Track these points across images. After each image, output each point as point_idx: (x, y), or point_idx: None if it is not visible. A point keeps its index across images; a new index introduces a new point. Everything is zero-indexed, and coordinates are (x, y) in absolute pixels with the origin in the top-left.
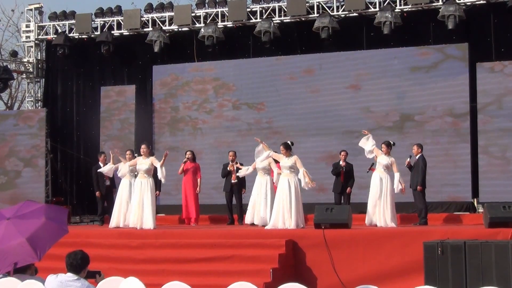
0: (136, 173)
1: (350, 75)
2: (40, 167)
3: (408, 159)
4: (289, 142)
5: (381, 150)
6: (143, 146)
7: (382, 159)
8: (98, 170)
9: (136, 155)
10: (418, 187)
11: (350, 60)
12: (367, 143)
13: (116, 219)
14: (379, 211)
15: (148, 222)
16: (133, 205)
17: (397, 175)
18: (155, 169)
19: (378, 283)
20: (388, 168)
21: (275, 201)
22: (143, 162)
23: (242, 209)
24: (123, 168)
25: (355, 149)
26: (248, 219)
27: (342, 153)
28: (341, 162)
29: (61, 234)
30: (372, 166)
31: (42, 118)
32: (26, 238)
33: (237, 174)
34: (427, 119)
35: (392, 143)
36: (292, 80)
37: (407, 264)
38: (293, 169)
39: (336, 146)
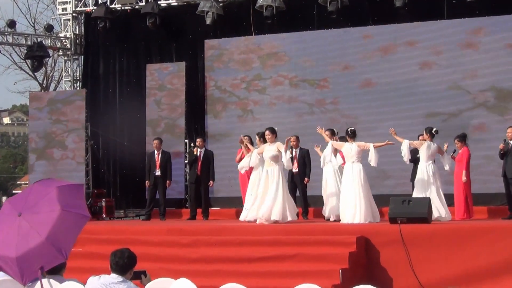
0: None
1: (428, 48)
2: (80, 155)
3: (502, 143)
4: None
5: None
6: (267, 132)
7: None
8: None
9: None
10: None
11: (430, 32)
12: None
13: (250, 212)
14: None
15: (285, 213)
16: (268, 196)
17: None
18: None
19: (463, 286)
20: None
21: (342, 193)
22: (269, 149)
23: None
24: (254, 156)
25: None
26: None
27: (421, 137)
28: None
29: (83, 223)
30: (454, 153)
31: (82, 100)
32: (46, 237)
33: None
34: None
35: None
36: (363, 55)
37: (496, 264)
38: (360, 156)
39: (416, 129)
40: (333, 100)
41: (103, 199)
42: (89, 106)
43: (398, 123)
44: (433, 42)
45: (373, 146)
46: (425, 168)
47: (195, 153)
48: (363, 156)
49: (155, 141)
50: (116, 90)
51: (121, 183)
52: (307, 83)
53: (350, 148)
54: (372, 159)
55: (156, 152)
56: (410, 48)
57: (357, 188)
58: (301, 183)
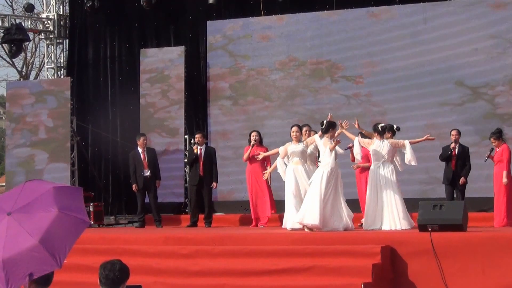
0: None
1: (465, 29)
2: (64, 154)
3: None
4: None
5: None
6: (294, 129)
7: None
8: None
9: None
10: None
11: (462, 13)
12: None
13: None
14: None
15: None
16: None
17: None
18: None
19: None
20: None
21: (368, 196)
22: (297, 146)
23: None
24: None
25: None
26: (291, 221)
27: (453, 132)
28: (452, 144)
29: (82, 229)
30: (491, 153)
31: (66, 90)
32: (39, 240)
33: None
34: None
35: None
36: (389, 39)
37: None
38: (391, 155)
39: (449, 122)
40: (361, 91)
41: (91, 204)
42: (75, 97)
43: (426, 111)
44: (472, 24)
45: (409, 142)
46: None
47: (195, 151)
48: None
49: (142, 138)
50: (107, 79)
51: (113, 185)
52: (325, 69)
53: (380, 146)
54: (411, 158)
55: (140, 150)
56: (440, 28)
57: (392, 192)
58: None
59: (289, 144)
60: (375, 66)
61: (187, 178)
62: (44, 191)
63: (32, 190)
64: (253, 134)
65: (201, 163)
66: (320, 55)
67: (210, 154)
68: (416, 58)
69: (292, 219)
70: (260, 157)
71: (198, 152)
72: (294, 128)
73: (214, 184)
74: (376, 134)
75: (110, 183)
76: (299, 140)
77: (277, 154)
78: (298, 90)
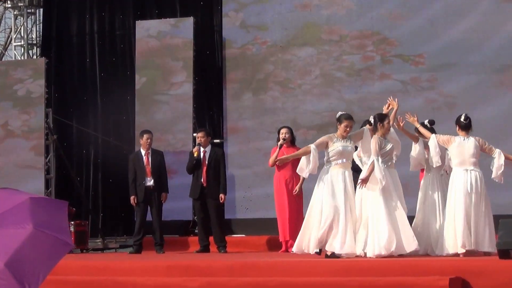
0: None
1: None
2: (37, 157)
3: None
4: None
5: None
6: (346, 123)
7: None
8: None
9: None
10: None
11: None
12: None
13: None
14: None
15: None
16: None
17: None
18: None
19: None
20: None
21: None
22: (345, 143)
23: None
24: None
25: None
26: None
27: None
28: None
29: (62, 252)
30: None
31: (40, 74)
32: (5, 263)
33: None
34: None
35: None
36: (462, 4)
37: None
38: (478, 158)
39: None
40: (422, 76)
41: (72, 222)
42: (52, 84)
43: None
44: None
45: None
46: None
47: (195, 155)
48: None
49: (145, 136)
50: (94, 61)
51: (102, 198)
52: (373, 45)
53: (465, 146)
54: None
55: (144, 152)
56: None
57: (480, 203)
58: None
59: (331, 138)
60: (441, 41)
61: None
62: (18, 202)
63: (3, 200)
64: (283, 131)
65: (204, 169)
66: (367, 26)
67: (217, 158)
68: (499, 33)
69: (334, 243)
70: (296, 190)
71: (201, 155)
72: (347, 122)
73: (221, 196)
74: (458, 129)
75: (99, 196)
76: (347, 136)
77: (308, 154)
78: (334, 73)
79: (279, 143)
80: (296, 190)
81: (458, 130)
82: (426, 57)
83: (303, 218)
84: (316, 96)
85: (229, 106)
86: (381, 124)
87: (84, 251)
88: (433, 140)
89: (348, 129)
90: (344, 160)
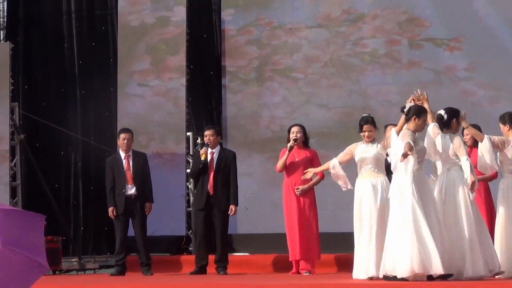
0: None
1: None
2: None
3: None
4: None
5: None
6: (367, 126)
7: None
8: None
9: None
10: None
11: None
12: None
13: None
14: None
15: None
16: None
17: None
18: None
19: None
20: None
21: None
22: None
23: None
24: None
25: None
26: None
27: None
28: None
29: (35, 276)
30: None
31: (4, 62)
32: None
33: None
34: None
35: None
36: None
37: None
38: None
39: None
40: (458, 64)
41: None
42: (20, 73)
43: None
44: None
45: None
46: None
47: (203, 157)
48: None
49: (122, 135)
50: (72, 46)
51: (83, 209)
52: (399, 27)
53: None
54: None
55: (123, 155)
56: None
57: None
58: None
59: (357, 145)
60: (482, 22)
61: (191, 200)
62: None
63: None
64: (294, 129)
65: (212, 175)
66: (391, 3)
67: (227, 161)
68: None
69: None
70: (308, 175)
71: (209, 158)
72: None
73: (232, 208)
74: (509, 129)
75: (80, 206)
76: (373, 140)
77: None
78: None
79: (289, 144)
80: (307, 175)
81: (509, 130)
82: (464, 41)
83: (316, 233)
84: (326, 88)
85: (228, 99)
86: (417, 119)
87: (57, 272)
88: (487, 142)
89: (367, 132)
90: (370, 166)
